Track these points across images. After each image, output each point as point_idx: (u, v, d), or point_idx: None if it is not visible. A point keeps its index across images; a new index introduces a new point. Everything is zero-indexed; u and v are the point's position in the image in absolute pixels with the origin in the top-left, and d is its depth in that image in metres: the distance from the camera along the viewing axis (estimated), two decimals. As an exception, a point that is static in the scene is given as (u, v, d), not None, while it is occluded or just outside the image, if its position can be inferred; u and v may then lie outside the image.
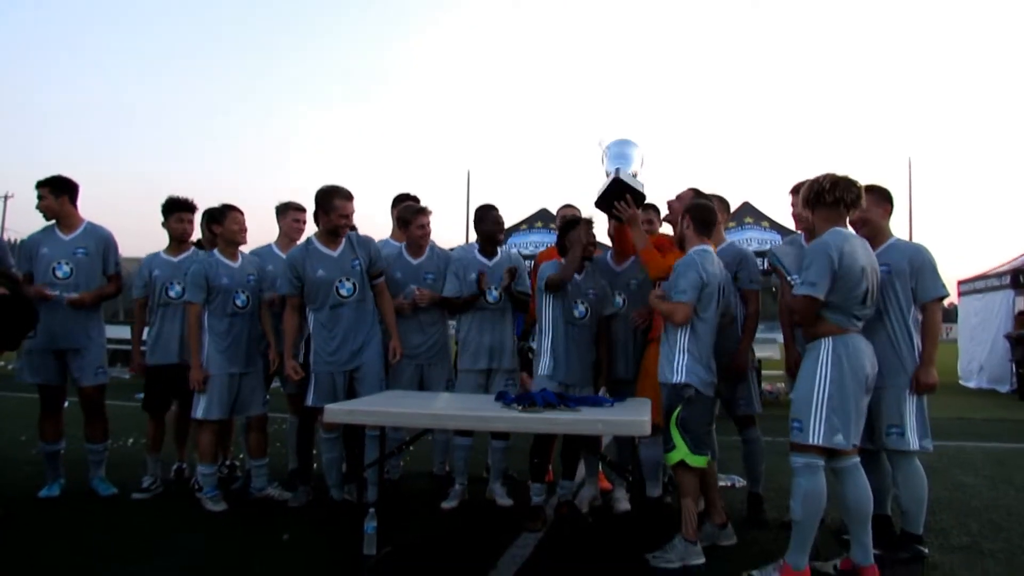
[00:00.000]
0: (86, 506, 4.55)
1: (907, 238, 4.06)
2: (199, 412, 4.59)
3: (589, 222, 4.50)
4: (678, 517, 3.67)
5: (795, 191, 4.23)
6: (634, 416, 3.33)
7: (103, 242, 4.92)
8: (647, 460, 4.42)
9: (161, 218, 5.10)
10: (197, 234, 5.26)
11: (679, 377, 3.71)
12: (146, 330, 5.16)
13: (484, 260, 4.89)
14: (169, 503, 4.70)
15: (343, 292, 4.49)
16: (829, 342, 3.35)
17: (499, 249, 5.01)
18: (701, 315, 3.75)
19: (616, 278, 4.68)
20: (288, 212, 5.27)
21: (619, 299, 4.62)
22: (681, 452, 3.66)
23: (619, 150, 4.46)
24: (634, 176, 4.38)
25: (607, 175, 4.38)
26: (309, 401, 4.54)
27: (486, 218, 4.95)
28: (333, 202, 4.43)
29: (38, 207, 4.80)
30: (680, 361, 3.73)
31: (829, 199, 3.40)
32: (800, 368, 3.49)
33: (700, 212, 3.93)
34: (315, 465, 5.09)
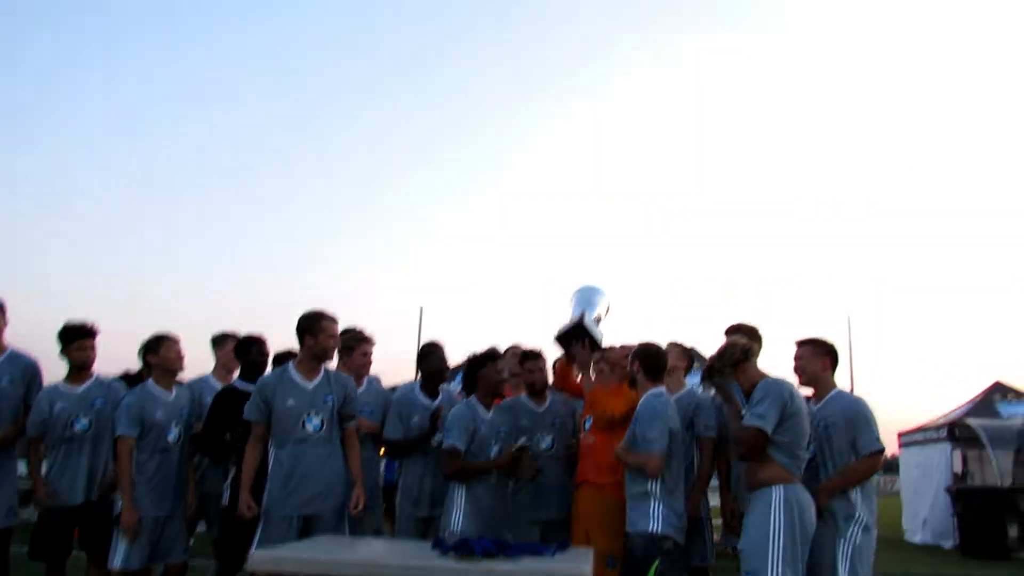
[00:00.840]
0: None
1: (849, 390, 4.14)
2: (117, 561, 4.12)
3: (498, 356, 4.48)
4: None
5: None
6: (576, 568, 3.16)
7: (29, 371, 4.65)
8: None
9: (58, 347, 4.60)
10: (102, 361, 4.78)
11: (656, 526, 3.63)
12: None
13: (426, 401, 4.73)
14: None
15: (309, 427, 4.11)
16: (780, 491, 3.33)
17: (441, 388, 4.86)
18: (669, 461, 3.73)
19: (539, 418, 4.59)
20: (226, 342, 5.13)
21: (548, 439, 4.52)
22: None
23: (586, 296, 4.61)
24: (597, 321, 4.55)
25: (572, 315, 4.60)
26: (255, 548, 3.94)
27: (433, 354, 4.85)
28: (321, 323, 4.19)
29: None
30: (656, 509, 3.66)
31: (753, 354, 3.62)
32: (749, 516, 3.44)
33: (646, 359, 3.97)
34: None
